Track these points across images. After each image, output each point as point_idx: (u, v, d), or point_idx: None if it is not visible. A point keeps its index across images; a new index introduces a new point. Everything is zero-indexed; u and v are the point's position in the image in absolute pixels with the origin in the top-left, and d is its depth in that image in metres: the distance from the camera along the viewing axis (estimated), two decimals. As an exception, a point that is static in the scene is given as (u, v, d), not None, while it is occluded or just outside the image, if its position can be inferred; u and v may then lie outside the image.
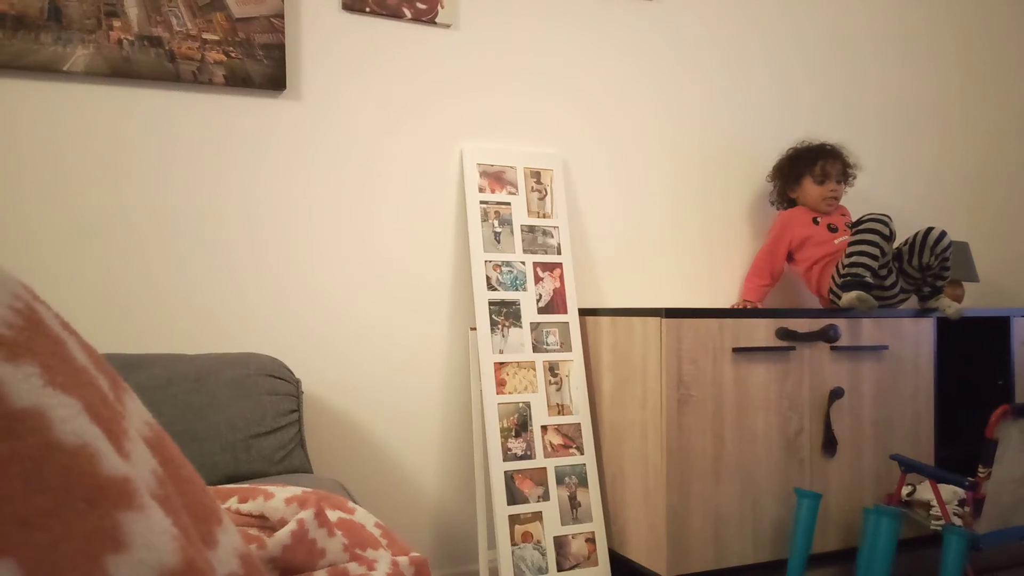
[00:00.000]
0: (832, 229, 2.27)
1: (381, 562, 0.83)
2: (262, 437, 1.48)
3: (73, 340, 0.43)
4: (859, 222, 2.10)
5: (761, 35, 2.49)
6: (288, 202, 1.90)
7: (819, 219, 2.28)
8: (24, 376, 0.34)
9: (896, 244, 2.14)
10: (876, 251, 2.05)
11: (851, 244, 2.09)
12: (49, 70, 1.69)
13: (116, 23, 1.73)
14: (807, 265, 2.28)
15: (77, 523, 0.32)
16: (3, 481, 0.31)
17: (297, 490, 0.93)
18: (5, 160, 1.68)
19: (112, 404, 0.42)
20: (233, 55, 1.82)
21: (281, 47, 1.86)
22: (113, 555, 0.32)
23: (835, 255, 2.22)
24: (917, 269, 2.10)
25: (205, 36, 1.80)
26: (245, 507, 0.82)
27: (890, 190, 2.71)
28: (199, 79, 1.80)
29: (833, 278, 2.18)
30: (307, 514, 0.78)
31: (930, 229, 2.06)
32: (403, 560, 0.86)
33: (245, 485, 0.91)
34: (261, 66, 1.84)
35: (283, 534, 0.76)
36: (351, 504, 0.93)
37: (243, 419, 1.47)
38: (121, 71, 1.74)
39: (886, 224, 2.05)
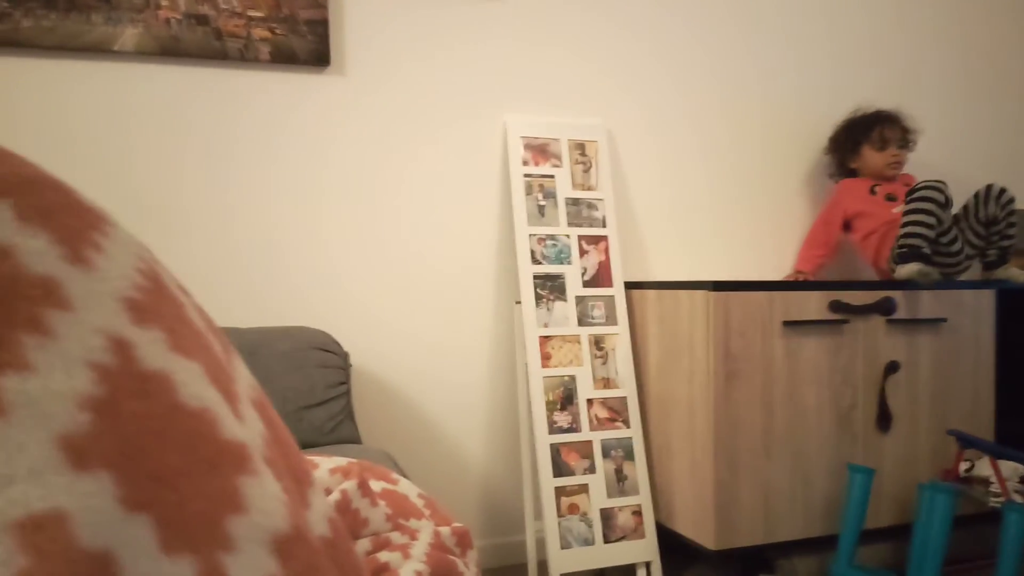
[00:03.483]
0: (890, 199, 2.19)
1: (423, 532, 0.84)
2: (312, 408, 1.51)
3: (190, 302, 0.44)
4: (912, 190, 2.03)
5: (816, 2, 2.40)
6: (335, 177, 1.92)
7: (877, 189, 2.21)
8: (152, 340, 0.35)
9: (955, 210, 2.07)
10: (932, 219, 1.97)
11: (905, 214, 2.02)
12: (100, 50, 1.72)
13: (164, 2, 1.75)
14: (863, 234, 2.21)
15: (203, 483, 0.34)
16: (140, 437, 0.32)
17: (342, 460, 0.95)
18: (62, 141, 1.73)
19: (226, 368, 0.43)
20: (278, 32, 1.83)
21: (325, 22, 1.86)
22: (233, 516, 0.33)
23: (893, 224, 2.14)
24: (983, 224, 2.05)
25: (250, 13, 1.81)
26: (291, 477, 0.84)
27: (951, 156, 2.61)
28: (245, 56, 1.82)
29: (894, 249, 2.11)
30: (350, 484, 0.79)
31: (991, 184, 2.04)
32: (445, 530, 0.87)
33: (292, 455, 0.92)
34: (305, 42, 1.85)
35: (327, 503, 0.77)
36: (394, 475, 0.94)
37: (294, 391, 1.50)
38: (170, 50, 1.77)
39: (940, 191, 1.97)
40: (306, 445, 1.47)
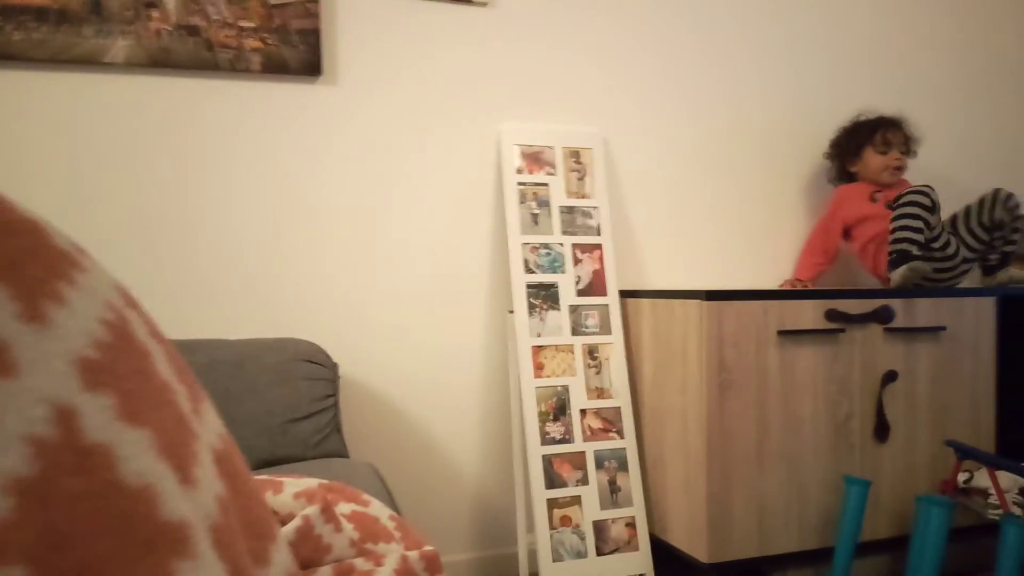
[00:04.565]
0: (891, 207, 2.17)
1: (390, 557, 0.83)
2: (298, 422, 1.50)
3: (160, 349, 0.43)
4: (898, 197, 2.02)
5: (815, 4, 2.37)
6: (327, 187, 1.92)
7: (877, 196, 2.19)
8: (101, 407, 0.34)
9: (954, 210, 2.06)
10: (919, 223, 1.96)
11: (892, 220, 2.00)
12: (91, 62, 1.72)
13: (155, 13, 1.76)
14: (862, 243, 2.19)
15: (134, 570, 0.32)
16: (70, 522, 0.30)
17: (312, 482, 0.94)
18: (55, 153, 1.73)
19: (187, 423, 0.42)
20: (269, 42, 1.83)
21: (316, 32, 1.86)
22: None
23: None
24: (986, 228, 2.03)
25: (241, 23, 1.81)
26: (256, 501, 0.83)
27: (952, 162, 2.57)
28: (236, 67, 1.81)
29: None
30: (313, 510, 0.79)
31: (999, 189, 2.04)
32: (413, 555, 0.86)
33: (260, 476, 0.92)
34: (297, 52, 1.85)
35: (288, 530, 0.76)
36: (365, 496, 0.94)
37: (280, 404, 1.49)
38: (160, 61, 1.77)
39: (927, 194, 1.97)
40: (292, 459, 1.46)
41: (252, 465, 1.45)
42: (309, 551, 0.78)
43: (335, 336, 1.91)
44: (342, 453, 1.53)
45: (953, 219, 2.11)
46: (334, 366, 1.65)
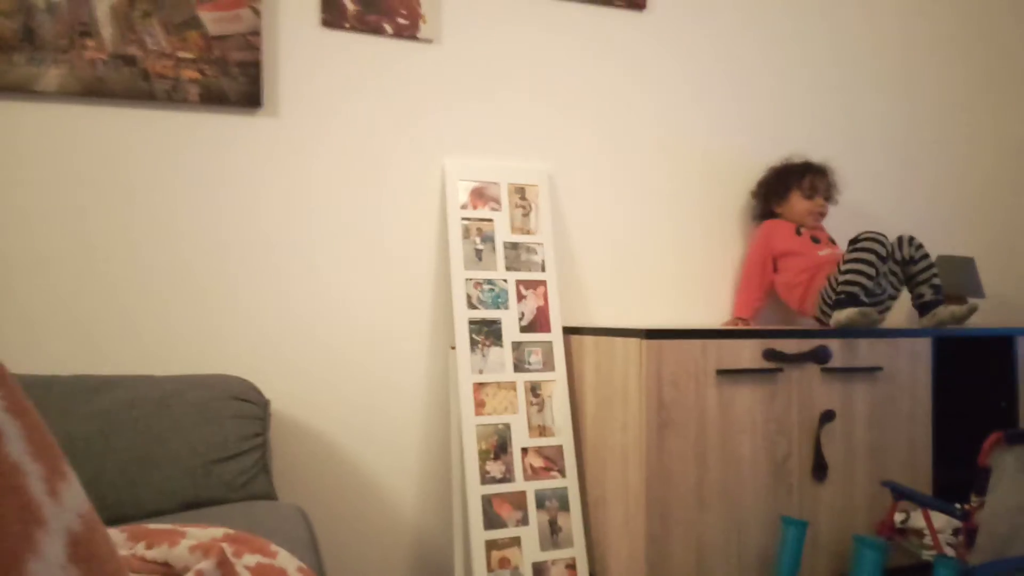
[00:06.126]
0: (815, 240, 2.23)
1: (291, 612, 0.80)
2: (223, 462, 1.45)
3: (17, 425, 0.41)
4: (856, 239, 2.05)
5: (758, 48, 2.43)
6: (264, 220, 1.89)
7: (802, 230, 2.25)
8: None
9: None
10: (872, 270, 2.01)
11: (848, 261, 2.04)
12: (22, 90, 1.68)
13: (90, 43, 1.72)
14: (790, 275, 2.23)
15: None
16: None
17: (217, 532, 0.90)
18: (-22, 180, 1.68)
19: (34, 508, 0.39)
20: (208, 73, 1.80)
21: (257, 64, 1.84)
22: None
23: (820, 268, 2.17)
24: (899, 264, 2.12)
25: (180, 54, 1.79)
26: (150, 554, 0.80)
27: (890, 206, 2.64)
28: (173, 97, 1.79)
29: (823, 294, 2.12)
30: (207, 564, 0.75)
31: (900, 235, 2.14)
32: (318, 609, 0.82)
33: (162, 526, 0.88)
34: (236, 83, 1.83)
35: (180, 586, 0.73)
36: (273, 547, 0.90)
37: (204, 443, 1.45)
38: (94, 90, 1.73)
39: (883, 243, 2.02)
40: (215, 501, 1.41)
41: (173, 508, 1.40)
42: (202, 608, 0.74)
43: (269, 372, 1.87)
44: (270, 495, 1.49)
45: None
46: (265, 403, 1.61)
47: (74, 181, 1.74)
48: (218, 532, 0.90)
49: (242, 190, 1.87)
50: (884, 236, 2.03)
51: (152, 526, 0.89)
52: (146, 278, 1.79)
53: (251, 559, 0.87)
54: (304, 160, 1.92)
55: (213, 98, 1.81)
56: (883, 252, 2.02)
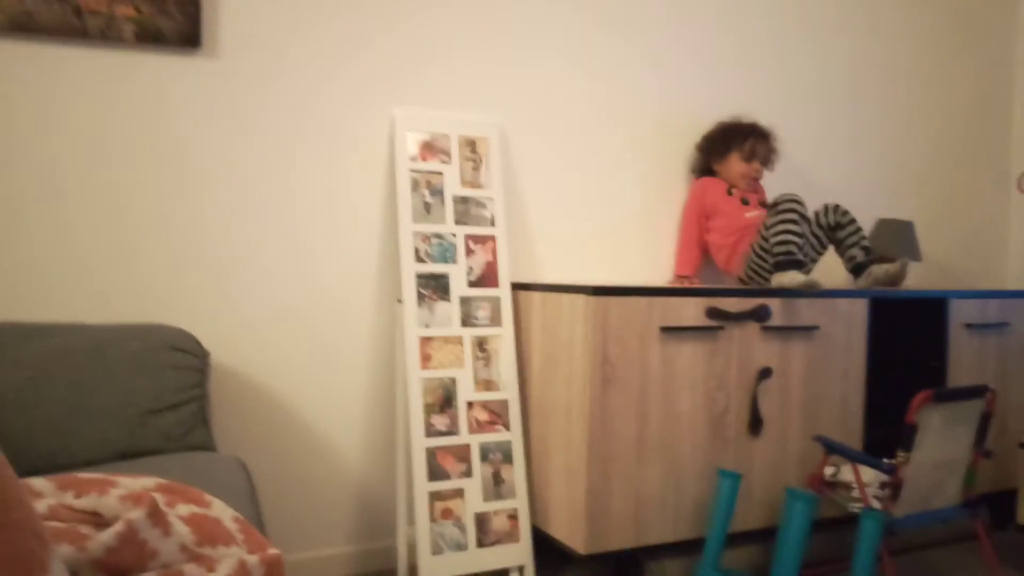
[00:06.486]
0: (745, 202, 2.28)
1: (224, 562, 0.79)
2: (160, 413, 1.43)
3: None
4: (777, 202, 2.15)
5: (712, 7, 2.42)
6: (203, 167, 1.83)
7: (733, 191, 2.29)
8: None
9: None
10: (800, 228, 2.09)
11: (776, 224, 2.09)
12: (-59, 21, 1.59)
13: (15, -28, 1.63)
14: (717, 238, 2.27)
15: None
16: None
17: (149, 482, 0.89)
18: None
19: None
20: (143, 10, 1.72)
21: (196, 2, 1.76)
22: None
23: (746, 230, 2.22)
24: (824, 229, 2.24)
25: (114, -11, 1.70)
26: (79, 503, 0.78)
27: (833, 169, 2.68)
28: (107, 35, 1.70)
29: (750, 258, 2.17)
30: (138, 514, 0.74)
31: (826, 203, 2.28)
32: (252, 559, 0.82)
33: (92, 476, 0.86)
34: (174, 22, 1.75)
35: (108, 535, 0.72)
36: (208, 497, 0.89)
37: (139, 394, 1.42)
38: (22, 25, 1.64)
39: (801, 203, 2.14)
40: (151, 452, 1.39)
41: (108, 458, 1.37)
42: (132, 557, 0.73)
43: (209, 323, 1.83)
44: (208, 446, 1.47)
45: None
46: (204, 354, 1.58)
47: (2, 120, 1.66)
48: (150, 482, 0.88)
49: (180, 135, 1.80)
50: (801, 197, 2.14)
51: (82, 475, 0.87)
52: (80, 224, 1.72)
53: (184, 509, 0.86)
54: (246, 103, 1.86)
55: (149, 37, 1.73)
56: (804, 211, 2.12)
